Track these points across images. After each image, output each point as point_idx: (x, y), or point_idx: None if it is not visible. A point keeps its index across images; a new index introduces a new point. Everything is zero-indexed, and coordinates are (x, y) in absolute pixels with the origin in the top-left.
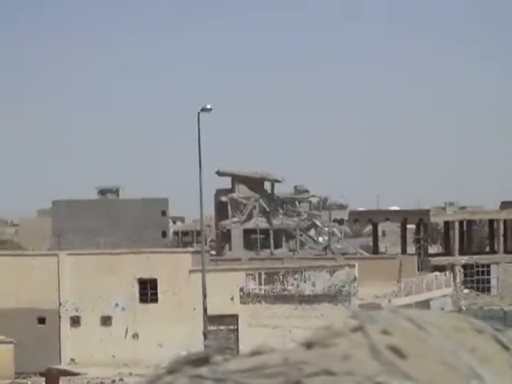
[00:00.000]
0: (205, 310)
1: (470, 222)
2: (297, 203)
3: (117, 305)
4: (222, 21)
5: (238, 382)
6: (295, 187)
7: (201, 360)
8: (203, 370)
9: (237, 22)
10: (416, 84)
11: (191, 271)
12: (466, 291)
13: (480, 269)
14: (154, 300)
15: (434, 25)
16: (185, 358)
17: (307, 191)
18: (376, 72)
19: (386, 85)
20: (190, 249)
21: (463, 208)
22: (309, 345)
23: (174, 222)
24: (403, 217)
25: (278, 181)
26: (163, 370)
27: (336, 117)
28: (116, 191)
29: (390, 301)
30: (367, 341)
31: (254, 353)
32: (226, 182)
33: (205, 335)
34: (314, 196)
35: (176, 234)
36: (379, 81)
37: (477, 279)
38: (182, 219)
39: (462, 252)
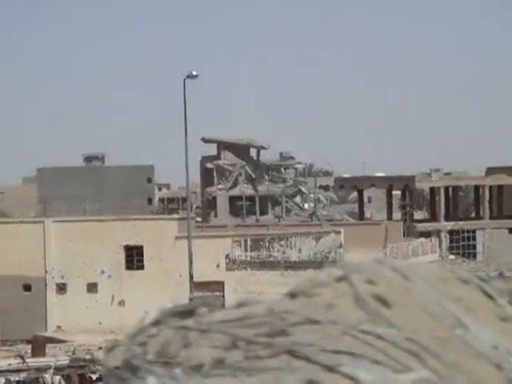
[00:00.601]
0: (191, 276)
1: (455, 188)
2: (282, 170)
3: (103, 272)
4: None
5: (223, 332)
6: (281, 154)
7: (186, 312)
8: (188, 322)
9: None
10: (400, 44)
11: (177, 238)
12: (452, 257)
13: (466, 235)
14: (140, 267)
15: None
16: (170, 310)
17: (293, 158)
18: (358, 31)
19: (370, 44)
20: (176, 216)
21: (448, 174)
22: (293, 295)
23: (160, 189)
24: (389, 183)
25: (263, 147)
26: (148, 323)
27: (321, 83)
28: (102, 158)
29: None
30: (351, 290)
31: (240, 305)
32: (212, 149)
33: (191, 302)
34: (299, 163)
35: (162, 200)
36: (363, 41)
37: (462, 245)
38: (168, 186)
39: (447, 218)
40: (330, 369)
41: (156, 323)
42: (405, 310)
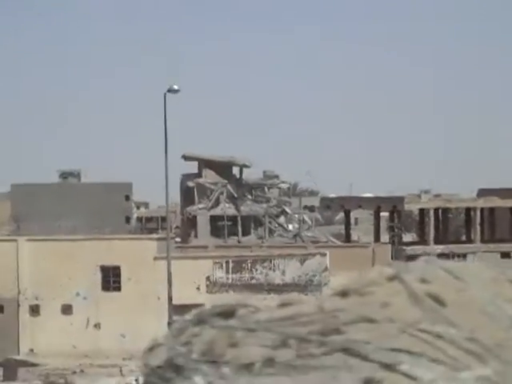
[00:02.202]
0: (170, 299)
1: (445, 210)
2: (266, 189)
3: (78, 293)
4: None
5: (272, 330)
6: (264, 172)
7: (227, 312)
8: (232, 321)
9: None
10: (391, 67)
11: (156, 259)
12: None
13: (456, 259)
14: (117, 288)
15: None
16: (210, 311)
17: (277, 177)
18: (346, 50)
19: (360, 62)
20: (155, 235)
21: (438, 196)
22: (344, 293)
23: (138, 208)
24: (376, 204)
25: (246, 166)
26: (188, 322)
27: (307, 100)
28: (78, 175)
29: None
30: (405, 288)
31: (284, 304)
32: (193, 167)
33: (169, 326)
34: (283, 182)
35: (140, 219)
36: (350, 58)
37: None
38: (147, 205)
39: (437, 241)
40: (389, 367)
41: (197, 323)
42: (461, 310)
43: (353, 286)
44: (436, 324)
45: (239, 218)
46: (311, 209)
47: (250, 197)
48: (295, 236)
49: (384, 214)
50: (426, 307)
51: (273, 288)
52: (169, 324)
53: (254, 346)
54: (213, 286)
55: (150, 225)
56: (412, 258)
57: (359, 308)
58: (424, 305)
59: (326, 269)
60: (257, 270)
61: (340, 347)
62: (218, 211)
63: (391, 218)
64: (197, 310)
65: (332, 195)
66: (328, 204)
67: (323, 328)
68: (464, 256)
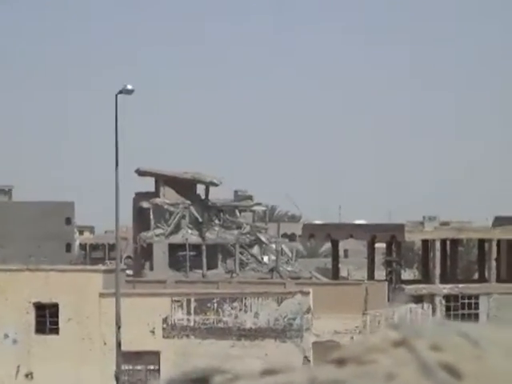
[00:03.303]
0: (118, 344)
1: (454, 242)
2: (237, 212)
3: (6, 336)
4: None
5: None
6: (235, 192)
7: (200, 381)
8: None
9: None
10: (389, 80)
11: (102, 295)
12: None
13: (466, 301)
14: (55, 331)
15: None
16: (179, 380)
17: (250, 198)
18: (336, 65)
19: (354, 77)
20: (101, 267)
21: (446, 224)
22: (340, 361)
23: (82, 233)
24: (371, 233)
25: (213, 183)
26: None
27: (285, 110)
28: (8, 192)
29: (352, 338)
30: (414, 357)
31: (266, 372)
32: (149, 184)
33: (117, 377)
34: (258, 204)
35: (83, 247)
36: (343, 73)
37: (462, 314)
38: (92, 229)
39: (443, 279)
40: None
41: None
42: (479, 383)
43: (351, 352)
44: None
45: (204, 248)
46: (291, 237)
47: (217, 221)
48: (272, 270)
49: (380, 246)
50: (439, 380)
51: (244, 333)
52: (116, 375)
53: None
54: (171, 329)
55: (96, 254)
56: (413, 298)
57: (359, 380)
58: (437, 377)
59: (308, 310)
60: (225, 311)
61: None
62: (178, 238)
63: (388, 251)
64: (165, 381)
65: (317, 221)
66: (312, 232)
67: None
68: (476, 298)
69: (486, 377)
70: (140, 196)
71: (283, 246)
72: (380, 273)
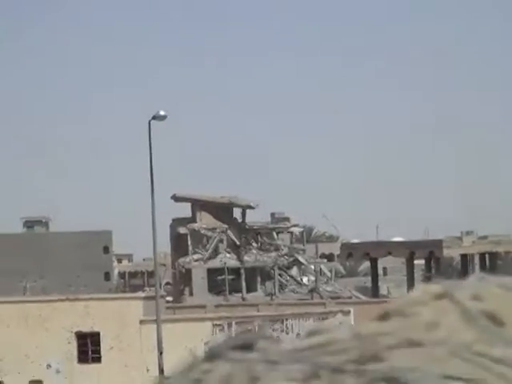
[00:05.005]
0: (161, 370)
1: (493, 255)
2: (274, 234)
3: (49, 366)
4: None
5: (300, 361)
6: (272, 215)
7: (244, 345)
8: (251, 354)
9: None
10: (417, 87)
11: (142, 322)
12: None
13: None
14: (97, 359)
15: None
16: (224, 344)
17: (287, 219)
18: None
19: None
20: (141, 294)
21: (484, 238)
22: (383, 316)
23: (120, 261)
24: (409, 250)
25: (250, 207)
26: (200, 358)
27: (322, 132)
28: (45, 223)
29: None
30: (457, 307)
31: (311, 333)
32: (185, 210)
33: None
34: (296, 225)
35: (122, 275)
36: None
37: None
38: (130, 257)
39: None
40: None
41: (210, 358)
42: None
43: (394, 307)
44: (494, 346)
45: (243, 271)
46: (330, 257)
47: (255, 244)
48: (311, 291)
49: (419, 262)
50: (481, 327)
51: None
52: None
53: (278, 379)
54: None
55: (135, 281)
56: None
57: (403, 331)
58: (479, 325)
59: None
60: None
61: (381, 376)
62: (216, 263)
63: (427, 267)
64: (209, 344)
65: (355, 240)
66: (350, 251)
67: (361, 355)
68: None
69: None
70: (177, 222)
71: (322, 266)
72: None
